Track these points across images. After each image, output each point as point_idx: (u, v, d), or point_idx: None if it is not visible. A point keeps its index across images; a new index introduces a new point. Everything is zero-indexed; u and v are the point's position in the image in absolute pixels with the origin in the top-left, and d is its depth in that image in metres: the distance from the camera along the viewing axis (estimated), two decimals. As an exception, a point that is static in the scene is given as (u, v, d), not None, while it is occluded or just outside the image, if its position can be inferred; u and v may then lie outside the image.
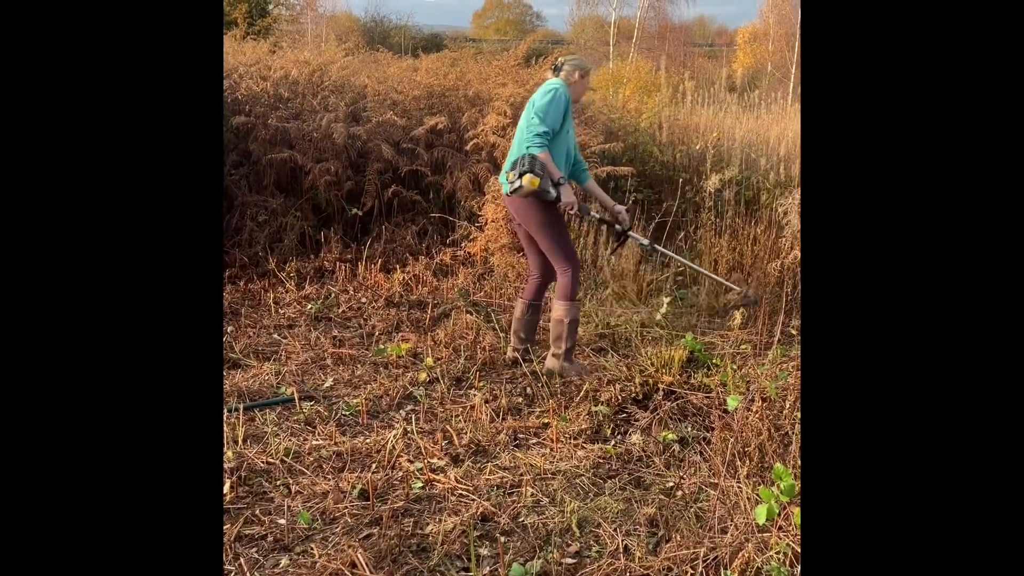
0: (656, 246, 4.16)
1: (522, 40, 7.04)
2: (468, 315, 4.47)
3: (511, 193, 3.53)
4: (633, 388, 3.40)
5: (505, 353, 3.97)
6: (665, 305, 3.99)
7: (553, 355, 3.75)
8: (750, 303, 4.16)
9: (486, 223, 5.20)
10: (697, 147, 6.27)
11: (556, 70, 3.76)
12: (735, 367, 3.46)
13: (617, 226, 3.98)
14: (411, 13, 38.28)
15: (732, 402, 2.77)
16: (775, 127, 8.48)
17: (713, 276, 4.49)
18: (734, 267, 5.24)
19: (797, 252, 3.16)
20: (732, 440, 2.67)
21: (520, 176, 3.43)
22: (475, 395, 3.53)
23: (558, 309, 3.73)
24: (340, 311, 4.64)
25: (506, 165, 3.70)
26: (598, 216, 3.98)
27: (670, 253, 4.44)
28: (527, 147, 3.49)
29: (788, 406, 2.70)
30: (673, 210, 6.33)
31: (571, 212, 3.61)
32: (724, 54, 31.79)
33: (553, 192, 3.52)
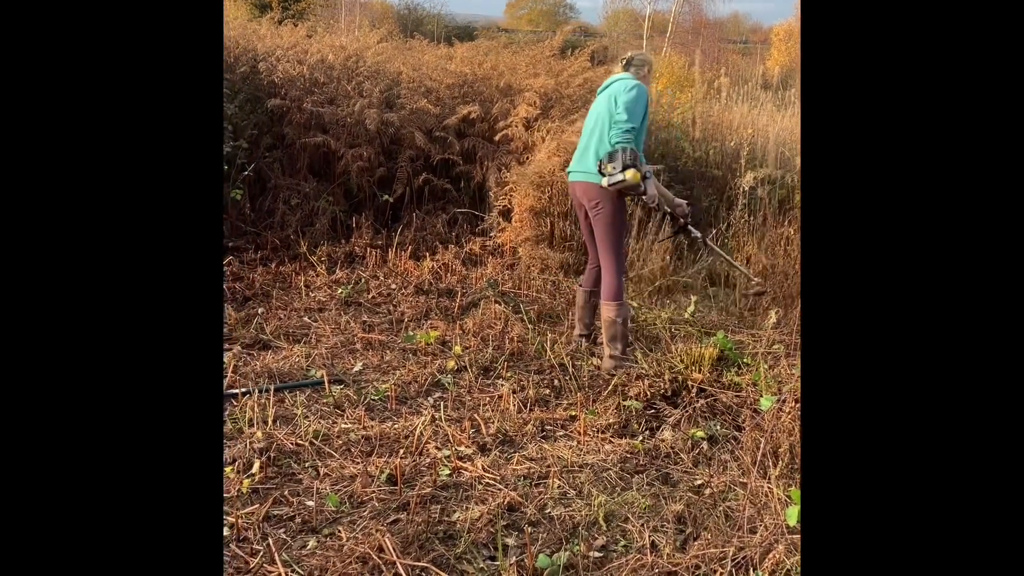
0: (708, 242, 4.17)
1: (557, 31, 7.02)
2: (497, 305, 4.47)
3: (611, 185, 3.56)
4: (663, 384, 3.38)
5: (532, 346, 3.97)
6: (693, 304, 3.95)
7: (611, 356, 3.78)
8: (763, 293, 4.25)
9: (513, 214, 5.19)
10: (731, 144, 6.20)
11: (627, 65, 3.89)
12: (767, 367, 3.43)
13: (682, 219, 4.06)
14: (444, 2, 38.24)
15: (765, 403, 2.75)
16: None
17: (738, 266, 4.47)
18: (766, 267, 5.19)
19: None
20: (763, 440, 2.65)
21: (624, 169, 3.49)
22: (503, 385, 3.53)
23: (609, 310, 3.76)
24: (370, 296, 4.66)
25: (585, 156, 3.77)
26: (669, 210, 4.03)
27: (719, 250, 4.43)
28: (616, 142, 3.54)
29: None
30: (706, 207, 6.30)
31: (651, 205, 3.72)
32: (758, 51, 31.45)
33: (642, 186, 3.58)
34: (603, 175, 3.58)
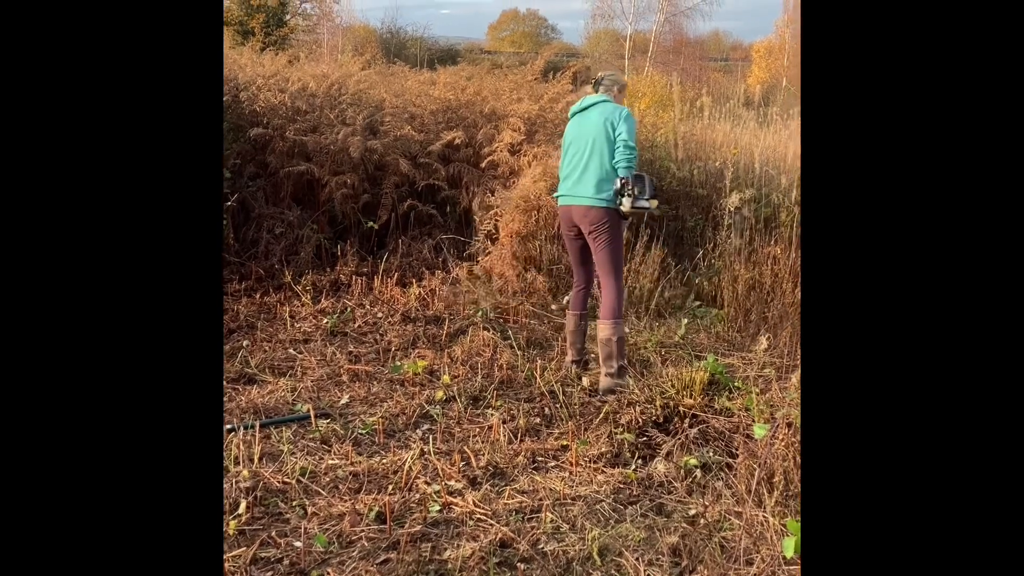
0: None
1: (538, 54, 7.06)
2: (485, 331, 4.44)
3: (634, 207, 3.63)
4: (654, 411, 3.34)
5: (522, 372, 3.94)
6: (683, 326, 3.93)
7: (607, 375, 3.77)
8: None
9: (499, 239, 5.16)
10: (716, 163, 6.21)
11: (596, 85, 3.93)
12: (758, 391, 3.41)
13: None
14: (427, 25, 38.42)
15: (759, 430, 2.71)
16: (792, 143, 8.43)
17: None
18: (753, 286, 5.18)
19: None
20: (757, 468, 2.61)
21: (649, 199, 3.61)
22: (492, 415, 3.49)
23: (606, 328, 3.77)
24: (356, 326, 4.61)
25: (582, 180, 3.76)
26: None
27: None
28: (622, 168, 3.62)
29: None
30: (692, 227, 6.30)
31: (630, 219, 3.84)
32: (739, 68, 31.73)
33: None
34: (623, 196, 3.59)
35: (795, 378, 3.29)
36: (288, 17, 30.41)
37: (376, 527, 2.58)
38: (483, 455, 3.10)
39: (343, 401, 3.62)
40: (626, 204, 3.58)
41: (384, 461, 3.04)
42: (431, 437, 3.26)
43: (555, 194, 4.03)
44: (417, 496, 2.80)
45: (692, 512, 2.70)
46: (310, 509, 2.68)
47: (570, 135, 3.90)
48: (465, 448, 3.14)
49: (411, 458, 3.00)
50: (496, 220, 5.21)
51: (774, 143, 7.91)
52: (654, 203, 3.53)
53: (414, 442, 3.22)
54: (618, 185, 3.61)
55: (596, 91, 3.91)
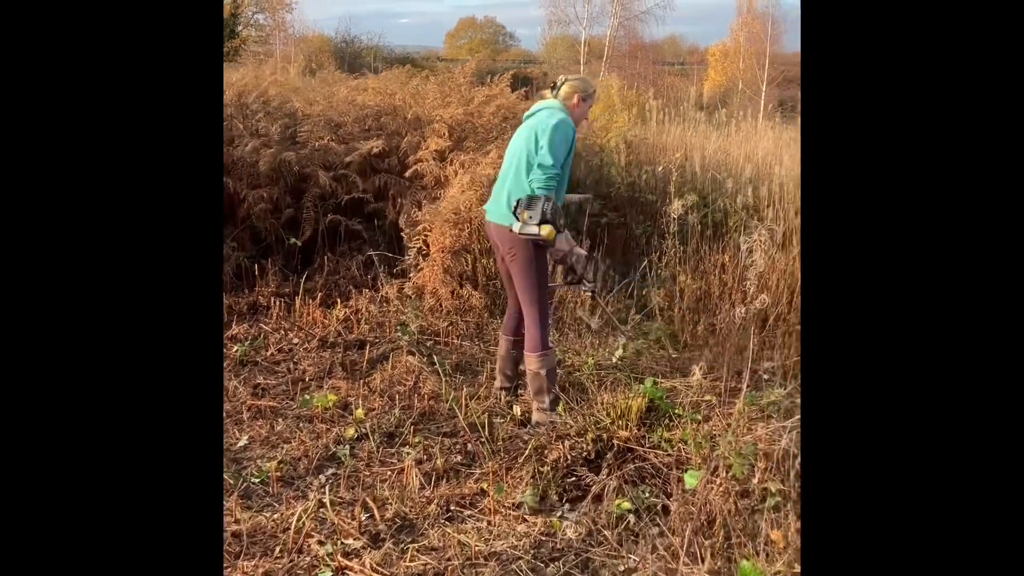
0: (596, 296, 3.77)
1: (495, 60, 6.71)
2: (410, 356, 4.06)
3: (521, 233, 3.18)
4: (585, 445, 2.99)
5: (446, 403, 3.57)
6: (621, 347, 3.58)
7: (539, 409, 3.43)
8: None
9: (430, 254, 4.80)
10: (660, 168, 5.91)
11: (554, 89, 3.47)
12: (698, 418, 3.07)
13: (578, 269, 3.59)
14: (382, 33, 37.93)
15: (691, 479, 2.37)
16: (745, 145, 8.18)
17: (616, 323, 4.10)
18: (701, 297, 4.88)
19: (764, 296, 2.77)
20: (692, 519, 2.27)
21: (540, 224, 3.11)
22: (408, 454, 3.12)
23: (532, 362, 3.41)
24: (269, 354, 4.21)
25: (499, 195, 3.40)
26: (570, 262, 3.55)
27: (607, 311, 4.05)
28: (537, 187, 3.16)
29: (757, 477, 2.31)
30: (639, 235, 5.98)
31: (555, 258, 3.39)
32: (695, 72, 31.77)
33: (555, 241, 3.21)
34: (517, 219, 3.21)
35: (739, 403, 2.96)
36: (240, 28, 29.83)
37: (250, 604, 2.19)
38: (391, 504, 2.73)
39: (241, 443, 3.23)
40: (515, 227, 3.21)
41: (274, 516, 2.65)
42: (331, 485, 2.87)
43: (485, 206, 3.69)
44: (307, 560, 2.42)
45: (622, 569, 2.36)
46: (176, 583, 2.28)
47: (510, 145, 3.54)
48: (370, 499, 2.76)
49: (305, 512, 2.62)
50: (425, 235, 4.84)
51: (724, 145, 7.65)
52: (545, 229, 3.10)
53: (314, 490, 2.84)
54: (513, 207, 3.25)
55: (553, 96, 3.45)
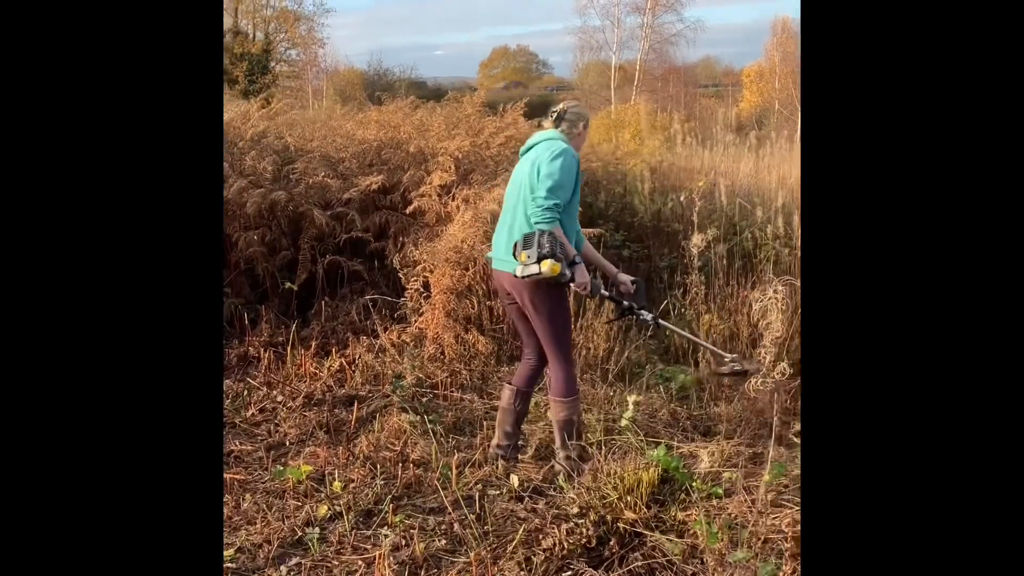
0: (661, 321, 3.38)
1: (527, 88, 6.37)
2: (403, 413, 3.67)
3: (524, 277, 2.86)
4: (585, 529, 2.56)
5: (435, 472, 3.16)
6: (631, 407, 3.14)
7: (566, 458, 3.11)
8: (743, 372, 3.32)
9: (431, 296, 4.43)
10: (682, 198, 5.48)
11: (557, 120, 3.15)
12: (719, 493, 2.62)
13: (624, 301, 3.29)
14: (414, 66, 38.07)
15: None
16: (779, 168, 7.70)
17: (705, 344, 3.67)
18: (729, 337, 4.42)
19: (784, 366, 2.34)
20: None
21: (539, 260, 2.80)
22: (385, 536, 2.71)
23: (559, 409, 3.12)
24: (249, 414, 3.85)
25: (501, 237, 3.10)
26: (608, 294, 3.24)
27: (678, 330, 3.65)
28: (535, 222, 2.86)
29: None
30: (663, 268, 5.55)
31: (583, 293, 3.05)
32: (730, 93, 31.25)
33: (568, 273, 2.89)
34: (517, 262, 2.86)
35: (765, 477, 2.50)
36: (273, 64, 30.18)
37: None
38: (355, 606, 2.33)
39: (199, 525, 2.85)
40: (518, 271, 2.85)
41: (217, 624, 2.25)
42: (290, 581, 2.48)
43: (487, 255, 3.34)
44: None
45: None
46: None
47: (509, 184, 3.20)
48: (330, 599, 2.36)
49: (250, 621, 2.22)
50: (426, 275, 4.47)
51: (755, 170, 7.19)
52: (545, 265, 2.74)
53: (271, 587, 2.45)
54: (512, 248, 2.90)
55: (556, 127, 3.13)
